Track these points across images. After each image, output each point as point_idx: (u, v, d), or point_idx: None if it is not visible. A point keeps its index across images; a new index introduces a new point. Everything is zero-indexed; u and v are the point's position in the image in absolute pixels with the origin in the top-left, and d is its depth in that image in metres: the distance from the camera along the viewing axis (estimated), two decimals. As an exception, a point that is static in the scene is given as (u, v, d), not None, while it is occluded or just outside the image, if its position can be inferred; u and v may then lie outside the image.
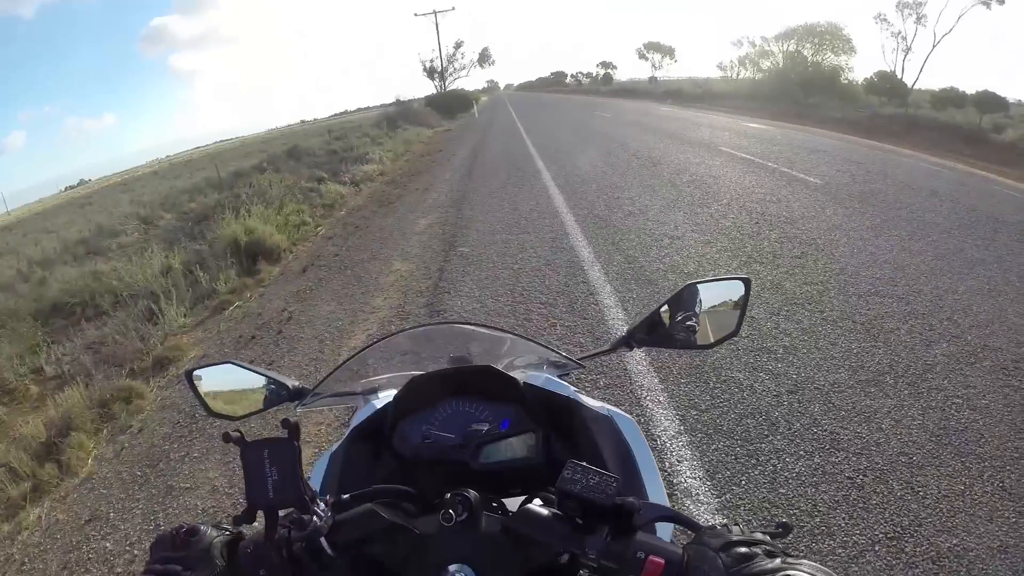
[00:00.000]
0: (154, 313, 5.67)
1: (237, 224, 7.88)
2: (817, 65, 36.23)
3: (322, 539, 0.75)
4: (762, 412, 3.21)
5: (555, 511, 0.76)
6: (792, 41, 38.93)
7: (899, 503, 2.55)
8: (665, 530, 0.97)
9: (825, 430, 3.04)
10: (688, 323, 1.23)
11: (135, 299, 6.26)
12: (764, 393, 3.40)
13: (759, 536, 0.65)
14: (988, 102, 21.97)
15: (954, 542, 2.36)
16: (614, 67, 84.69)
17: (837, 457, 2.84)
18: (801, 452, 2.88)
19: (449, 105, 34.39)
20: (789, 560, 0.59)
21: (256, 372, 1.23)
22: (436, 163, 14.78)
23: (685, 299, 1.23)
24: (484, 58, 60.61)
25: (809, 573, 0.56)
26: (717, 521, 0.78)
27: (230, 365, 1.21)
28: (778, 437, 3.00)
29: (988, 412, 3.19)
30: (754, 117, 22.93)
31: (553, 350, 1.31)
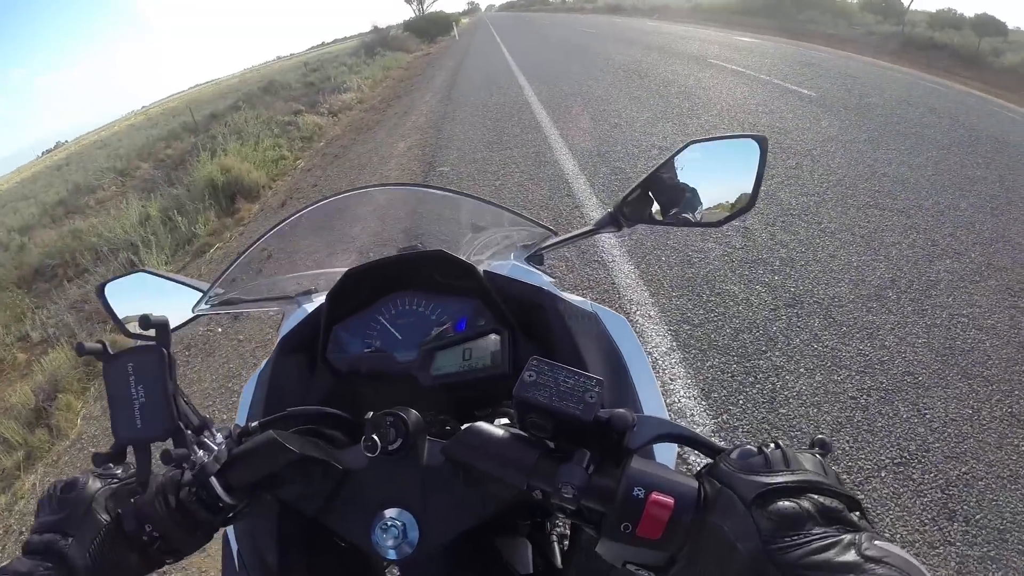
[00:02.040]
0: (135, 263, 5.56)
1: (213, 164, 7.57)
2: (811, -20, 34.78)
3: (213, 479, 0.60)
4: (759, 327, 2.96)
5: (515, 430, 0.58)
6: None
7: (905, 426, 2.35)
8: (667, 455, 0.77)
9: (826, 346, 2.81)
10: (690, 195, 1.01)
11: (115, 252, 6.16)
12: (761, 307, 3.14)
13: (809, 475, 0.45)
14: (986, 25, 21.28)
15: (963, 470, 2.18)
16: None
17: (839, 375, 2.62)
18: (801, 370, 2.65)
19: (428, 28, 32.79)
20: (865, 547, 0.40)
21: (170, 279, 1.07)
22: (415, 87, 13.88)
23: (685, 163, 1.00)
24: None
25: (901, 571, 0.38)
26: (741, 444, 0.53)
27: (142, 274, 1.07)
28: (776, 353, 2.76)
29: (995, 332, 2.97)
30: (745, 32, 21.96)
31: (520, 214, 1.10)
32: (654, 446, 0.56)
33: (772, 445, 0.49)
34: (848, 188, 4.84)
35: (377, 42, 28.04)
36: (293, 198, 6.65)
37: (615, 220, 1.04)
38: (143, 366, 0.57)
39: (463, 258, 0.93)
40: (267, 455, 0.62)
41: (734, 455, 0.49)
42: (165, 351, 0.58)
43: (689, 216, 1.01)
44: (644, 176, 1.01)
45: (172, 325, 1.02)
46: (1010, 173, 5.50)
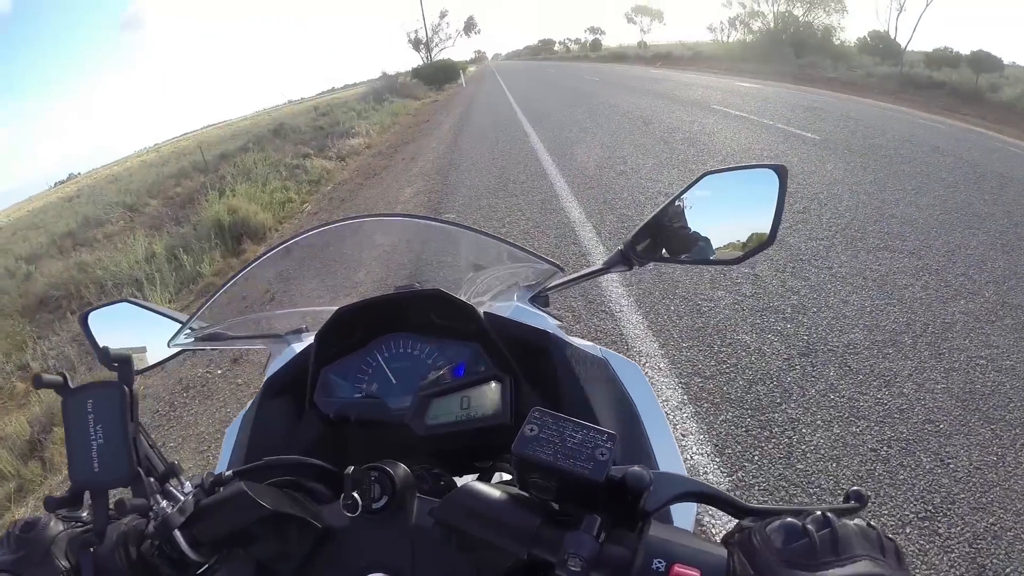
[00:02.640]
0: (138, 298, 5.45)
1: (220, 204, 7.67)
2: (809, 25, 35.57)
3: (176, 533, 0.54)
4: (773, 378, 2.91)
5: (514, 491, 0.52)
6: (783, 0, 38.07)
7: (928, 477, 2.27)
8: (685, 516, 0.72)
9: (843, 396, 2.75)
10: (705, 231, 0.95)
11: (119, 287, 6.22)
12: (774, 356, 3.10)
13: (851, 525, 0.40)
14: (982, 62, 21.50)
15: (990, 521, 2.09)
16: (602, 32, 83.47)
17: (858, 427, 2.55)
18: (818, 422, 2.59)
19: (435, 76, 33.72)
20: None
21: (154, 311, 1.03)
22: (422, 133, 14.22)
23: (700, 197, 0.94)
24: (470, 27, 59.71)
25: None
26: (766, 503, 0.47)
27: (125, 304, 1.04)
28: (792, 405, 2.70)
29: (1015, 373, 2.91)
30: (746, 78, 22.43)
31: (524, 248, 0.99)
32: (671, 507, 0.52)
33: (817, 521, 0.41)
34: (857, 231, 4.85)
35: (386, 88, 28.99)
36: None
37: (626, 258, 1.00)
38: (103, 404, 0.53)
39: (462, 298, 0.88)
40: (236, 509, 0.56)
41: (772, 531, 0.41)
42: (127, 389, 0.53)
43: (704, 254, 0.96)
44: (656, 211, 0.96)
45: (153, 361, 1.01)
46: (1017, 208, 5.51)
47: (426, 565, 0.58)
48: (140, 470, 0.53)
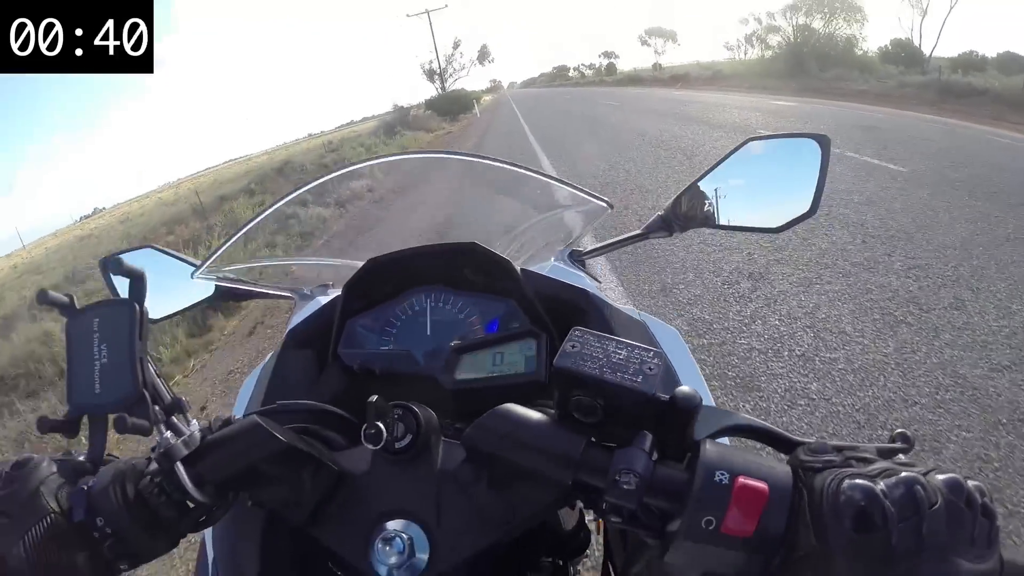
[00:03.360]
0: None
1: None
2: (830, 36, 34.24)
3: (179, 467, 0.49)
4: None
5: (555, 414, 0.47)
6: (801, 13, 36.68)
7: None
8: None
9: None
10: (747, 198, 0.98)
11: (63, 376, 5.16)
12: None
13: (940, 508, 0.34)
14: (1010, 64, 20.10)
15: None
16: (616, 56, 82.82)
17: None
18: None
19: (449, 107, 33.19)
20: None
21: (180, 259, 1.04)
22: (430, 171, 12.97)
23: (742, 164, 0.96)
24: (483, 56, 59.45)
25: None
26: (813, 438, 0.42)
27: (149, 250, 1.04)
28: None
29: None
30: (775, 95, 21.10)
31: (573, 185, 1.04)
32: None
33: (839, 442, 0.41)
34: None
35: (397, 121, 28.42)
36: (264, 323, 5.51)
37: (667, 224, 1.04)
38: (109, 322, 0.49)
39: (499, 253, 0.86)
40: (247, 442, 0.51)
41: (809, 445, 0.41)
42: (137, 306, 0.50)
43: (745, 221, 0.99)
44: (698, 176, 0.99)
45: (177, 307, 1.06)
46: None
47: (453, 511, 0.53)
48: (145, 392, 0.49)
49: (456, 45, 53.06)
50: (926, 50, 28.35)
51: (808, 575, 0.36)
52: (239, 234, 0.97)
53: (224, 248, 0.95)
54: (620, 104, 22.85)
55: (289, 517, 0.54)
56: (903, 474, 0.35)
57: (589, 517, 0.93)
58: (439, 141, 20.40)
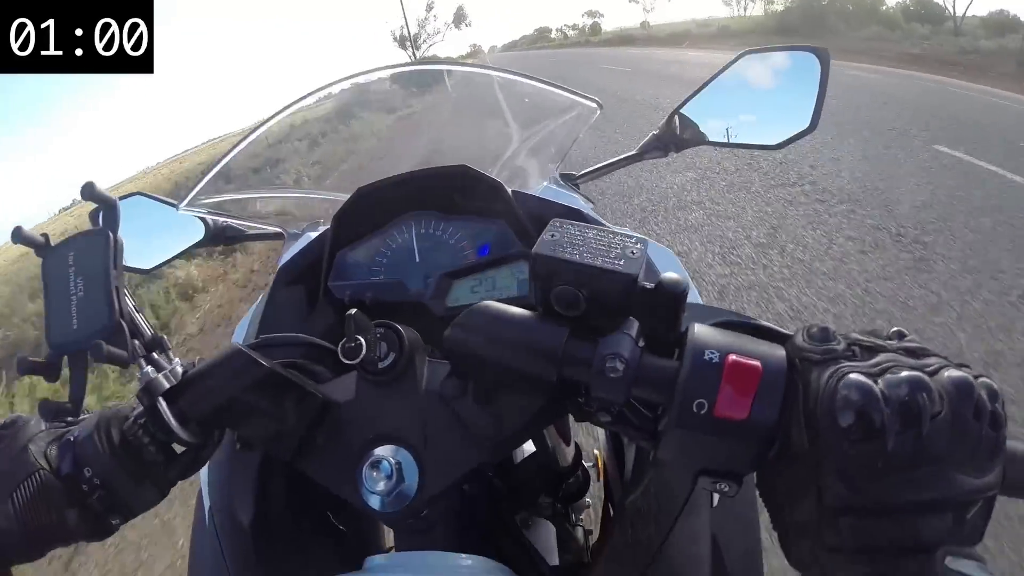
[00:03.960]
0: None
1: None
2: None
3: (162, 402, 0.46)
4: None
5: (532, 309, 0.44)
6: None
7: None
8: None
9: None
10: (744, 114, 0.97)
11: None
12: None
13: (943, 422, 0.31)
14: None
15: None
16: (601, 15, 77.66)
17: None
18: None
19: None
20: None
21: (168, 203, 1.02)
22: (375, 176, 9.27)
23: (738, 79, 0.95)
24: (459, 19, 54.56)
25: None
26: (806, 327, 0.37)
27: (138, 197, 1.02)
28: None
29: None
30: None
31: (563, 87, 1.01)
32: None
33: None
34: None
35: (354, 100, 24.08)
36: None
37: (663, 143, 1.02)
38: (84, 254, 0.48)
39: (489, 174, 0.81)
40: (229, 371, 0.48)
41: (801, 333, 0.37)
42: (111, 234, 0.48)
43: (743, 138, 0.97)
44: (693, 93, 0.97)
45: (170, 254, 1.06)
46: None
47: (439, 434, 0.50)
48: (123, 323, 0.47)
49: (429, 8, 47.80)
50: (957, 10, 24.52)
51: (801, 474, 0.34)
52: (228, 157, 0.93)
53: (216, 169, 0.92)
54: (631, 70, 18.40)
55: (275, 452, 0.51)
56: (905, 374, 0.32)
57: (589, 463, 0.93)
58: (400, 126, 16.55)
